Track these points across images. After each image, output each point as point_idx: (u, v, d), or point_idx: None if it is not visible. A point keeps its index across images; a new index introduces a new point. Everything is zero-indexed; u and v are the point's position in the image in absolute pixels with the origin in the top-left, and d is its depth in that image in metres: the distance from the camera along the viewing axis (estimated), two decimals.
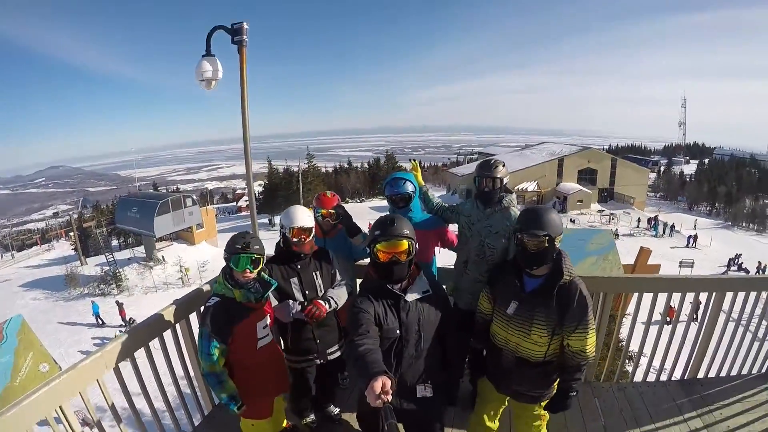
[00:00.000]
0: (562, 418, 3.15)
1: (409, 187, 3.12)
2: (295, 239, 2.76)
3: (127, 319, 20.82)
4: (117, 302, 22.35)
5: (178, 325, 2.95)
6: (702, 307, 3.46)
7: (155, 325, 2.80)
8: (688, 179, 67.11)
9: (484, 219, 2.89)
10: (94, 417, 2.44)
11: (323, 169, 51.05)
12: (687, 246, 33.56)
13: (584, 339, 2.21)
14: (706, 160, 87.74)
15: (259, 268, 2.53)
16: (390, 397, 1.62)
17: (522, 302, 2.27)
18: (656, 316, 3.55)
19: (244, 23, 3.91)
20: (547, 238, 2.15)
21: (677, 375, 3.63)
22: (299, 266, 2.82)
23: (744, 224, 46.66)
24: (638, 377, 3.67)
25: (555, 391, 2.39)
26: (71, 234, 36.41)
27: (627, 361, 3.77)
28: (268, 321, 2.64)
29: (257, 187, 43.18)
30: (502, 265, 2.50)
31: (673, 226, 37.61)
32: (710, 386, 3.46)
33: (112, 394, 2.50)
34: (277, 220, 31.58)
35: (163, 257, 29.63)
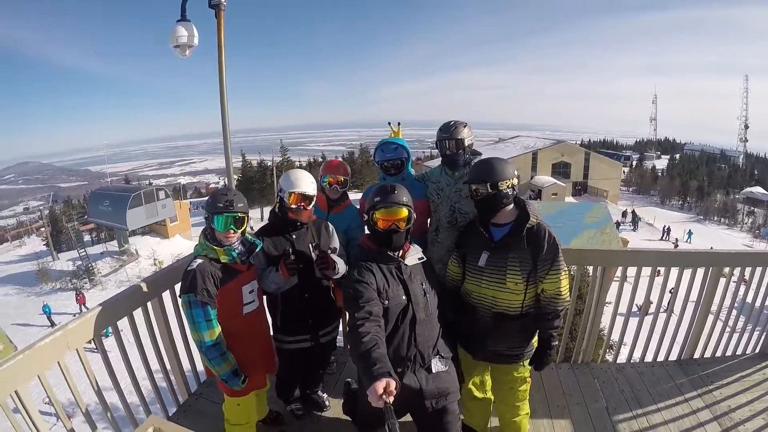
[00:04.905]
0: (564, 400, 3.07)
1: (402, 153, 2.91)
2: (293, 206, 2.47)
3: (88, 307, 20.06)
4: (76, 290, 21.30)
5: (149, 304, 2.65)
6: (679, 293, 3.43)
7: (124, 302, 2.51)
8: (660, 174, 68.57)
9: (453, 183, 2.76)
10: (57, 405, 2.17)
11: (297, 163, 49.48)
12: (661, 239, 34.53)
13: (558, 281, 2.19)
14: (677, 156, 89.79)
15: (243, 228, 2.30)
16: (392, 399, 1.58)
17: (493, 251, 2.25)
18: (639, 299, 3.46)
19: None
20: (489, 185, 2.18)
21: (673, 356, 3.57)
22: (294, 236, 2.54)
23: (715, 218, 48.03)
24: (636, 357, 3.59)
25: (536, 346, 2.36)
26: (42, 230, 35.11)
27: (621, 343, 3.74)
28: (256, 286, 2.42)
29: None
30: (470, 223, 2.46)
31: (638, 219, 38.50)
32: (708, 366, 3.42)
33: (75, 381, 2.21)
34: (253, 213, 30.92)
35: (136, 250, 28.80)
